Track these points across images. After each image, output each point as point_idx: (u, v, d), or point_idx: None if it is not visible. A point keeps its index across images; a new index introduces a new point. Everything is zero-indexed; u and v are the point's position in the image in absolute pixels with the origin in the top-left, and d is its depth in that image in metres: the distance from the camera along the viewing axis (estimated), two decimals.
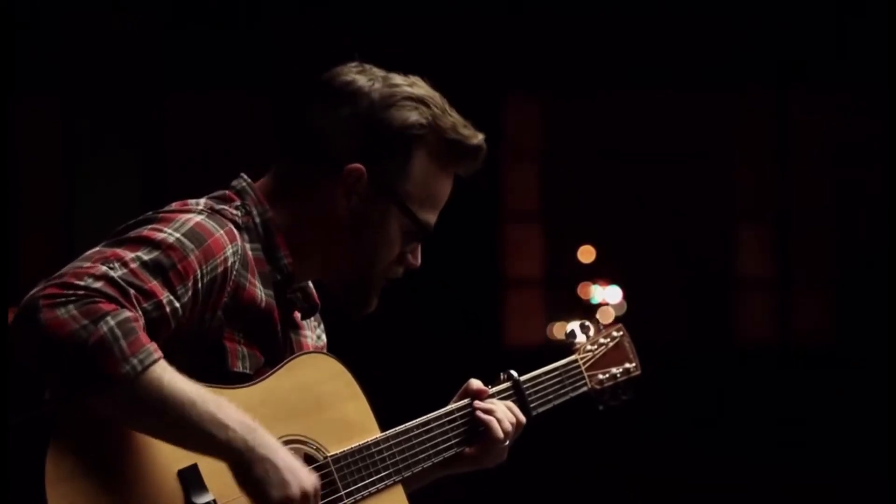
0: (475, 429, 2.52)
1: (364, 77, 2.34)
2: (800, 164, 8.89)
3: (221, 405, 2.08)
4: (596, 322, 2.87)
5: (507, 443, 2.54)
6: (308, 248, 2.34)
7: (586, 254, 9.18)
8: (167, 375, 2.04)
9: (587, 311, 9.18)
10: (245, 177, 2.36)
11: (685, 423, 8.36)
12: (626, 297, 9.10)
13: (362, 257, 2.35)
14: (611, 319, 8.92)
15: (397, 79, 2.35)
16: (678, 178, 8.95)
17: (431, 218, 2.38)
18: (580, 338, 2.82)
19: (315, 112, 2.34)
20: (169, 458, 2.11)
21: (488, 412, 2.52)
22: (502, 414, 2.53)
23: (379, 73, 2.36)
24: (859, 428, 8.06)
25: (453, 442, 2.49)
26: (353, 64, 2.36)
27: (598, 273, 9.15)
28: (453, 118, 2.36)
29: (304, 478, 2.13)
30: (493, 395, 2.58)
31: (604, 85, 8.77)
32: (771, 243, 8.89)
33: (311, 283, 2.44)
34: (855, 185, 8.90)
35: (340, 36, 7.68)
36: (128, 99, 7.83)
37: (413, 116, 2.31)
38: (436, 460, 2.46)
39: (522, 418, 2.58)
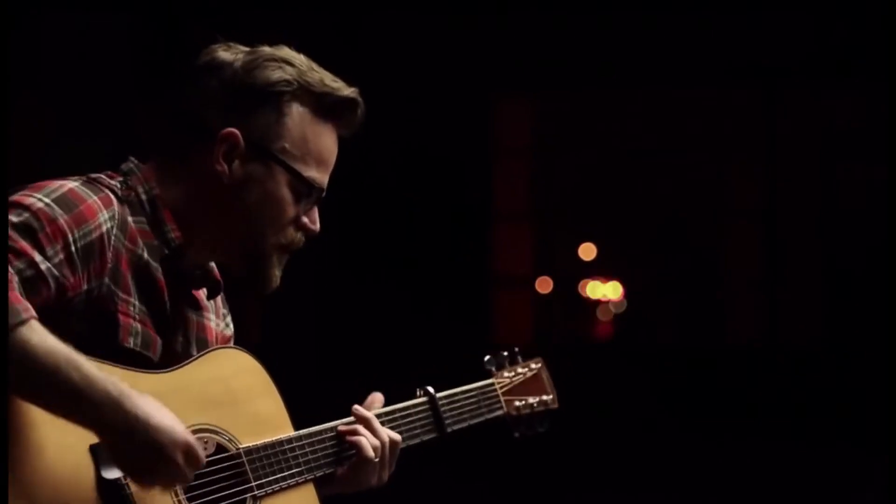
0: (348, 450, 2.51)
1: (228, 52, 2.38)
2: (792, 163, 8.87)
3: (87, 375, 2.02)
4: (514, 354, 2.94)
5: (381, 463, 2.53)
6: (199, 224, 2.35)
7: (587, 251, 9.19)
8: (36, 337, 2.00)
9: (585, 309, 9.20)
10: (133, 160, 2.39)
11: (680, 421, 8.35)
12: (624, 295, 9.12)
13: (253, 222, 2.35)
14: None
15: (261, 48, 2.40)
16: (669, 178, 8.94)
17: (319, 176, 2.38)
18: (498, 366, 2.91)
19: (183, 92, 2.37)
20: (82, 431, 2.08)
21: (355, 433, 2.51)
22: (369, 434, 2.52)
23: (243, 48, 2.40)
24: (852, 427, 8.04)
25: (331, 460, 2.49)
26: (218, 44, 2.39)
27: (593, 272, 9.17)
28: (320, 73, 2.39)
29: (171, 442, 2.08)
30: (394, 414, 2.60)
31: (594, 84, 8.75)
32: (762, 242, 8.86)
33: (214, 265, 2.45)
34: (847, 184, 8.87)
35: (332, 35, 7.71)
36: (117, 99, 7.86)
37: (277, 74, 2.34)
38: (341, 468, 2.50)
39: (397, 438, 2.57)
